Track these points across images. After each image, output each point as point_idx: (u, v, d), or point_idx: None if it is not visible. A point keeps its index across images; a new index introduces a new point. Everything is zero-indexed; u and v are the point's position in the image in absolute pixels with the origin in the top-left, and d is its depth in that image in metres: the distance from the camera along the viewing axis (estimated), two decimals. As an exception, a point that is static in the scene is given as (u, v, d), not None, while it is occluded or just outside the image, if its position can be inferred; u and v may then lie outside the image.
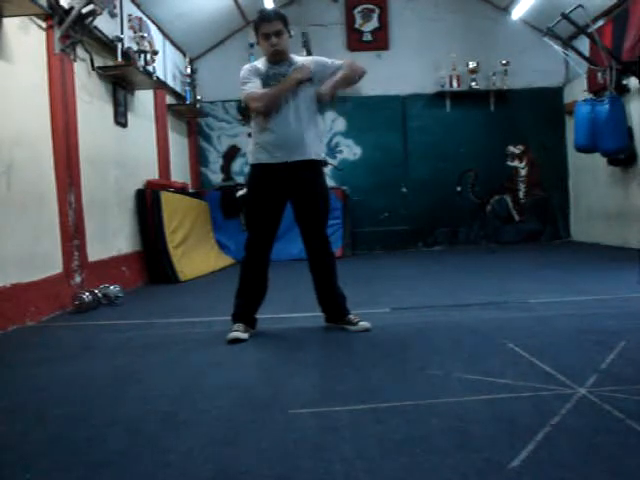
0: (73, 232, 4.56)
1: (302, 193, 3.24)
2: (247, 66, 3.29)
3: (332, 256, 3.37)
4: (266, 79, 3.19)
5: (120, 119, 5.77)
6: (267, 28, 3.16)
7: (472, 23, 8.54)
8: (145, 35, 6.03)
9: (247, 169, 8.39)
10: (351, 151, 8.66)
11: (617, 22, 6.44)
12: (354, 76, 3.29)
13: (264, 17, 3.20)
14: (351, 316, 3.28)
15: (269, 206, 3.22)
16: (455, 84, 8.43)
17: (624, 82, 6.63)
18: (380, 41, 8.63)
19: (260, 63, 3.28)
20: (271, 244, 3.27)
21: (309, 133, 3.19)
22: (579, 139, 6.77)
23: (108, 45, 5.34)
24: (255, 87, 3.16)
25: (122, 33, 5.51)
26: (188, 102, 7.74)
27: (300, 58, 3.35)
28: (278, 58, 3.22)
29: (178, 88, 7.63)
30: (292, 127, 3.15)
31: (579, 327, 3.03)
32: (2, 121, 3.83)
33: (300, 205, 3.27)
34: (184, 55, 7.84)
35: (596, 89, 6.99)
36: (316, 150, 3.26)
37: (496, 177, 8.67)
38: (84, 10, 4.53)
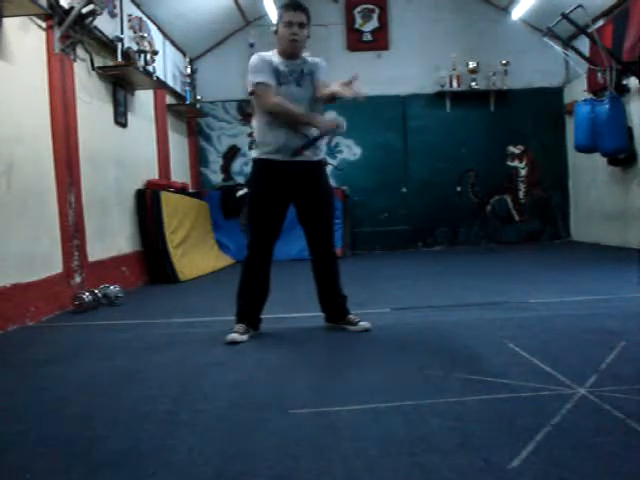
0: (73, 232, 4.56)
1: (307, 194, 3.23)
2: (259, 55, 3.18)
3: (335, 257, 3.36)
4: (279, 76, 3.11)
5: (120, 119, 5.77)
6: (292, 16, 3.10)
7: (472, 23, 8.54)
8: (145, 35, 6.03)
9: (247, 169, 8.37)
10: (351, 151, 8.66)
11: (617, 22, 6.44)
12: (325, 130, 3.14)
13: (292, 5, 3.12)
14: (351, 316, 3.28)
15: (273, 203, 3.20)
16: (455, 84, 8.43)
17: (624, 82, 6.63)
18: (380, 41, 8.63)
19: (273, 56, 3.19)
20: (274, 243, 3.26)
21: (311, 134, 3.17)
22: (579, 139, 6.77)
23: (108, 45, 5.34)
24: (268, 80, 3.08)
25: (122, 33, 5.52)
26: (188, 102, 7.74)
27: (310, 58, 3.26)
28: (293, 50, 3.15)
29: (178, 88, 7.63)
30: (296, 128, 3.13)
31: (579, 327, 3.03)
32: (2, 121, 3.83)
33: (305, 206, 3.26)
34: (184, 55, 7.84)
35: (596, 89, 6.99)
36: (320, 150, 3.25)
37: (496, 177, 8.67)
38: (84, 10, 4.53)
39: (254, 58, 3.17)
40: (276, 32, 3.19)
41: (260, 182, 3.24)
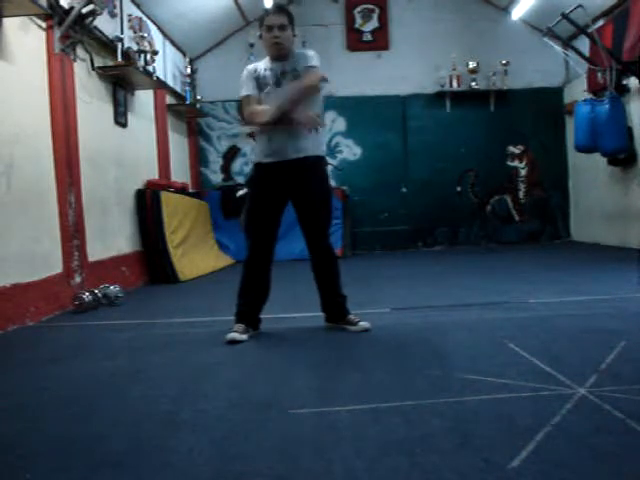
0: (73, 232, 4.56)
1: (302, 193, 3.22)
2: (246, 68, 3.27)
3: (334, 257, 3.35)
4: (260, 82, 3.18)
5: (120, 119, 5.77)
6: (271, 20, 3.14)
7: (472, 23, 8.54)
8: (145, 35, 6.03)
9: (247, 169, 8.42)
10: (351, 151, 8.66)
11: (617, 22, 6.44)
12: (307, 91, 3.11)
13: (271, 9, 3.21)
14: (351, 316, 3.28)
15: (270, 205, 3.21)
16: (455, 84, 8.43)
17: (624, 82, 6.63)
18: (380, 41, 8.63)
19: (262, 63, 3.25)
20: (273, 243, 3.27)
21: (305, 131, 3.15)
22: (579, 139, 6.77)
23: (108, 45, 5.34)
24: (248, 91, 3.18)
25: (122, 33, 5.52)
26: (188, 102, 7.74)
27: (297, 52, 3.27)
28: (279, 53, 3.17)
29: (178, 88, 7.63)
30: (286, 127, 3.12)
31: (579, 327, 3.03)
32: (2, 121, 3.83)
33: (300, 206, 3.26)
34: (184, 55, 7.84)
35: (596, 89, 6.99)
36: (317, 146, 3.22)
37: (496, 177, 8.67)
38: (84, 10, 4.54)
39: (243, 72, 3.26)
40: (261, 37, 3.24)
41: (257, 184, 3.28)
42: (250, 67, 3.27)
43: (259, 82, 3.19)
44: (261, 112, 3.11)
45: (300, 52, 3.26)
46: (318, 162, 3.27)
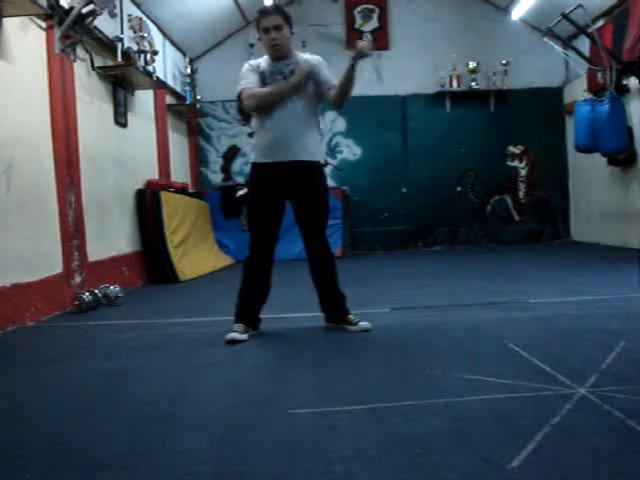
0: (73, 232, 4.55)
1: (301, 194, 3.23)
2: (247, 63, 3.27)
3: (331, 257, 3.36)
4: (264, 77, 3.17)
5: (120, 119, 5.77)
6: (266, 22, 3.14)
7: (472, 23, 8.54)
8: (145, 35, 6.04)
9: (247, 169, 8.41)
10: (351, 151, 8.66)
11: (617, 22, 6.44)
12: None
13: (264, 11, 3.18)
14: (351, 316, 3.28)
15: (269, 205, 3.21)
16: (455, 84, 8.43)
17: (624, 82, 6.63)
18: (380, 41, 8.61)
19: (263, 60, 3.25)
20: (274, 243, 3.27)
21: (306, 133, 3.17)
22: (579, 139, 6.77)
23: (108, 45, 5.34)
24: (249, 84, 3.16)
25: (122, 33, 5.52)
26: (188, 102, 7.75)
27: (305, 56, 3.30)
28: (278, 54, 3.18)
29: (178, 88, 7.63)
30: (289, 127, 3.13)
31: (579, 327, 3.03)
32: (2, 121, 3.83)
33: (299, 206, 3.26)
34: (184, 55, 7.84)
35: (596, 89, 6.99)
36: (314, 151, 3.23)
37: (496, 177, 8.67)
38: (84, 10, 4.53)
39: (243, 67, 3.26)
40: (259, 39, 3.23)
41: (257, 185, 3.26)
42: (252, 62, 3.26)
43: (263, 77, 3.17)
44: (267, 92, 3.12)
45: (307, 58, 3.25)
46: (318, 164, 3.29)
